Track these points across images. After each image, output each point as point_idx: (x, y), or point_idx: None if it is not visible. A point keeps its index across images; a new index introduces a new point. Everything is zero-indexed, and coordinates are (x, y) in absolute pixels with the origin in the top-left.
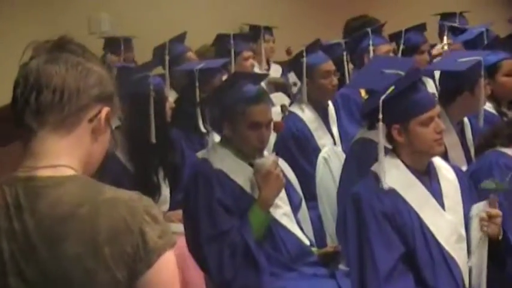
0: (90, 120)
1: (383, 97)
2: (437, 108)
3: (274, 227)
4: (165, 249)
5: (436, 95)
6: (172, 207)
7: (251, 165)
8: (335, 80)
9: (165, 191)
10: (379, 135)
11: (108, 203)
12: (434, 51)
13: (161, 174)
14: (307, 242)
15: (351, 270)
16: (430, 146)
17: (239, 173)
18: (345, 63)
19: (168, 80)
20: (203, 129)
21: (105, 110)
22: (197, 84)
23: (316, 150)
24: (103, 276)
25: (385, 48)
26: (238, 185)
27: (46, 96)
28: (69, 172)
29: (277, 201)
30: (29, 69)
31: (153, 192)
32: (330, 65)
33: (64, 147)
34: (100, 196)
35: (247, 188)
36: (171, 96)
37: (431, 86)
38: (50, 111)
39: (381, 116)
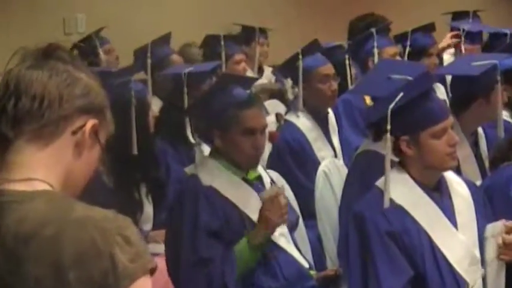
0: (74, 133)
1: (391, 106)
2: (451, 119)
3: (269, 249)
4: (137, 275)
5: (448, 102)
6: (156, 227)
7: (245, 179)
8: (334, 85)
9: (148, 208)
10: (386, 149)
11: (76, 222)
12: (442, 44)
13: (143, 190)
14: (306, 265)
15: None
16: (443, 161)
17: (231, 188)
18: (347, 67)
19: (151, 85)
20: (192, 140)
21: (91, 122)
22: (186, 89)
23: (315, 163)
24: None
25: (392, 50)
26: (230, 202)
27: (24, 103)
28: (43, 187)
29: None
30: (10, 76)
31: (134, 209)
32: (328, 69)
33: (41, 160)
34: (69, 215)
35: (240, 205)
36: (154, 104)
37: (441, 93)
38: (28, 120)
39: (389, 127)
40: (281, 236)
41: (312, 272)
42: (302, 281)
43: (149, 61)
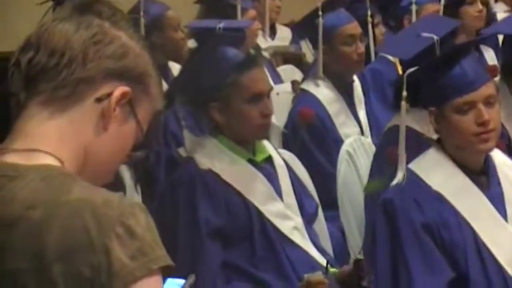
0: (98, 100)
1: (409, 71)
2: (485, 91)
3: (280, 245)
4: (137, 275)
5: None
6: None
7: (251, 161)
8: (361, 48)
9: (134, 196)
10: (401, 119)
11: (70, 206)
12: None
13: (127, 173)
14: (324, 263)
15: None
16: (470, 142)
17: (235, 172)
18: (369, 26)
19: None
20: None
21: (121, 89)
22: None
23: (338, 141)
24: None
25: (434, 8)
26: (233, 189)
27: (40, 59)
28: (46, 161)
29: (286, 210)
30: (36, 30)
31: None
32: (354, 27)
33: (51, 128)
34: (63, 196)
35: (245, 192)
36: None
37: (490, 57)
38: (43, 79)
39: (405, 94)
40: (294, 230)
41: (333, 270)
42: None
43: (143, 21)
